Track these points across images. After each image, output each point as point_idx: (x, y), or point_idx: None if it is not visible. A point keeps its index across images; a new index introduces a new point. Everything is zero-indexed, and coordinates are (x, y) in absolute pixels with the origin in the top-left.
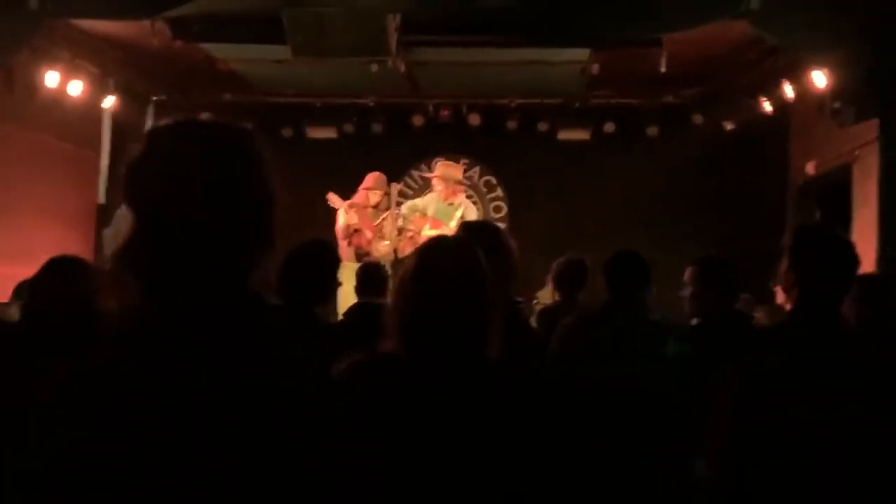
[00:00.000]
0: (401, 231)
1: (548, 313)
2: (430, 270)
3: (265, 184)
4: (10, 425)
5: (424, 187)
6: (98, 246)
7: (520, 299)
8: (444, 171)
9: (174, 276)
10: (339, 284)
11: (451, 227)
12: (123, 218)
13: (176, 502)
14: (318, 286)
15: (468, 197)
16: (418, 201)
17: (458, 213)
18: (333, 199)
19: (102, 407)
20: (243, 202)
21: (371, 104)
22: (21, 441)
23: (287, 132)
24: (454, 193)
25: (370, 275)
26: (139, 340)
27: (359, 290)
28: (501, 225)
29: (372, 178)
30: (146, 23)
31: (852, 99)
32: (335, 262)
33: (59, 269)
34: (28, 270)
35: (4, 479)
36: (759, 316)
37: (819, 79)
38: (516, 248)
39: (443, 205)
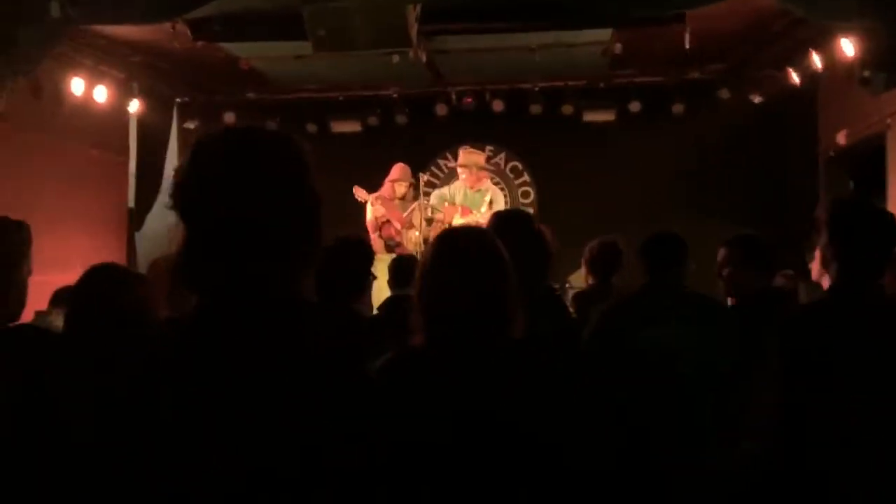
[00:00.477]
0: (430, 221)
1: (583, 297)
2: (445, 260)
3: (312, 187)
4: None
5: (451, 176)
6: (130, 250)
7: (556, 285)
8: (466, 158)
9: (232, 284)
10: (374, 278)
11: (481, 214)
12: (157, 221)
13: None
14: (354, 283)
15: (495, 184)
16: (445, 190)
17: (487, 199)
18: (360, 192)
19: (174, 409)
20: (294, 207)
21: (394, 95)
22: (100, 444)
23: (311, 128)
24: (479, 180)
25: (402, 267)
26: (201, 346)
27: (392, 283)
28: (530, 210)
29: (398, 169)
30: (167, 26)
31: (883, 66)
32: (369, 257)
33: (102, 277)
34: (63, 278)
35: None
36: (804, 291)
37: (847, 47)
38: (551, 234)
39: (470, 192)
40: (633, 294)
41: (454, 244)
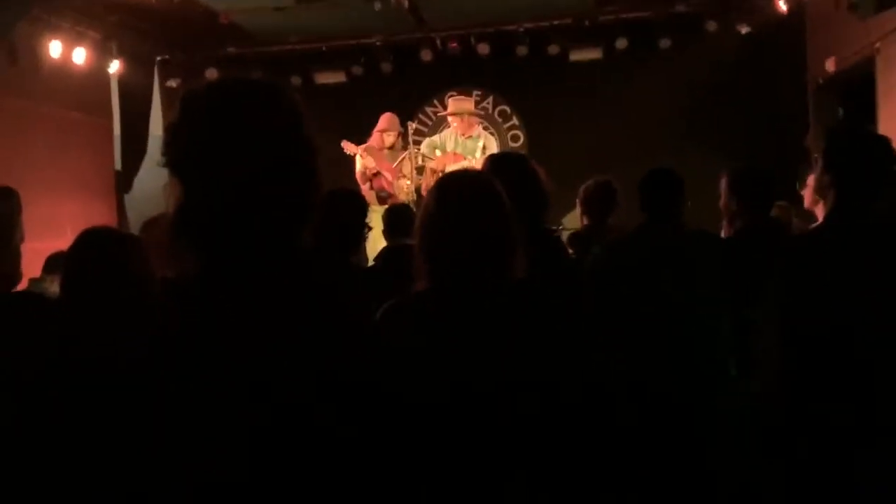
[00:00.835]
0: (421, 170)
1: (579, 238)
2: (447, 203)
3: (307, 135)
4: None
5: (439, 124)
6: (120, 212)
7: (554, 227)
8: (456, 105)
9: (234, 239)
10: (370, 229)
11: (476, 159)
12: (144, 183)
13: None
14: (350, 233)
15: (484, 128)
16: (436, 138)
17: (480, 144)
18: (348, 146)
19: (193, 366)
20: (290, 157)
21: (378, 44)
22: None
23: (295, 80)
24: (470, 126)
25: (397, 217)
26: (208, 302)
27: (387, 233)
28: (520, 152)
29: (385, 119)
30: None
31: None
32: (363, 208)
33: (99, 239)
34: (54, 244)
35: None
36: (796, 222)
37: None
38: (545, 176)
39: (461, 139)
40: (632, 232)
41: (455, 188)
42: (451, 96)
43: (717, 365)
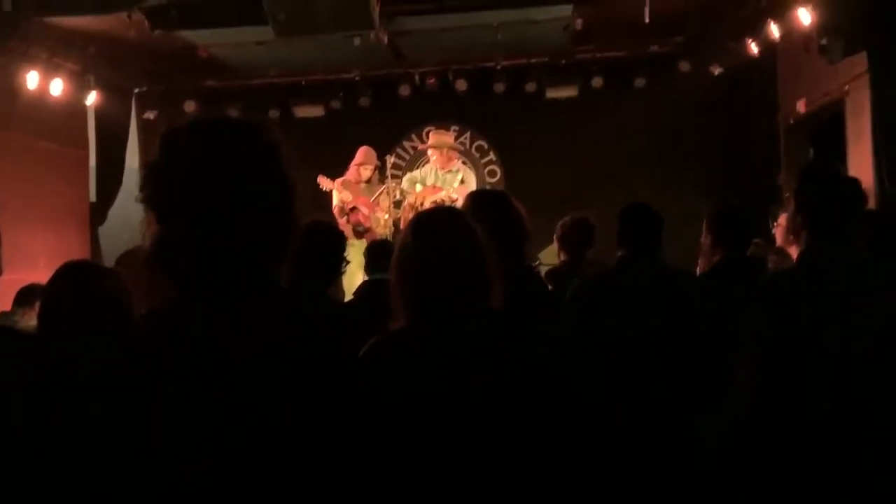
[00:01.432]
0: (399, 204)
1: (556, 274)
2: (422, 239)
3: (285, 172)
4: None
5: (417, 158)
6: (94, 245)
7: (533, 263)
8: (436, 139)
9: (210, 272)
10: (347, 263)
11: (454, 189)
12: (119, 215)
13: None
14: (327, 267)
15: (463, 163)
16: (416, 173)
17: (459, 177)
18: (324, 181)
19: (168, 394)
20: (268, 194)
21: (357, 78)
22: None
23: (274, 113)
24: (450, 160)
25: (378, 251)
26: (183, 337)
27: (368, 267)
28: (498, 189)
29: (362, 152)
30: (123, 15)
31: (839, 33)
32: (341, 241)
33: (76, 273)
34: (27, 275)
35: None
36: (773, 259)
37: (804, 16)
38: (524, 212)
39: (441, 173)
40: (611, 267)
41: (429, 224)
42: (432, 130)
43: (694, 398)
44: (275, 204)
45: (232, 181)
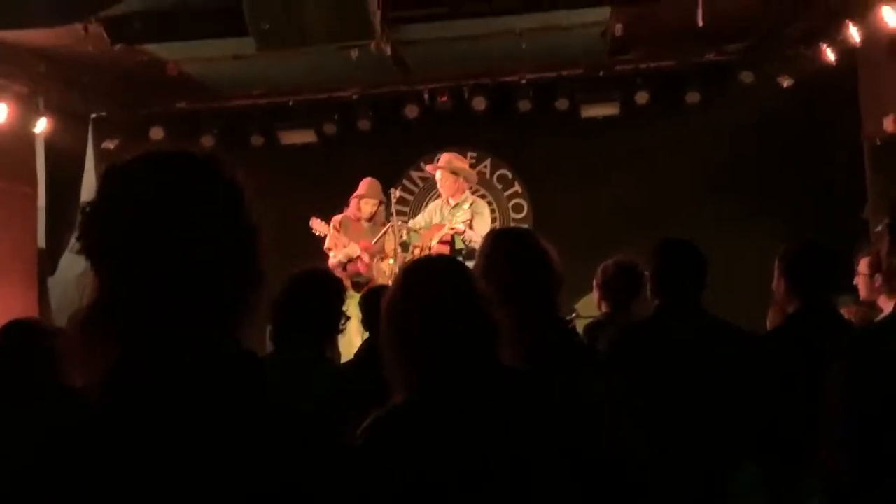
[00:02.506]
0: (406, 246)
1: (596, 329)
2: (411, 299)
3: (245, 215)
4: None
5: (427, 191)
6: (42, 299)
7: (569, 317)
8: (448, 162)
9: (156, 340)
10: (347, 319)
11: (458, 222)
12: (74, 267)
13: None
14: (323, 325)
15: (481, 196)
16: (420, 219)
17: (466, 206)
18: (317, 224)
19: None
20: (223, 240)
21: (354, 97)
22: None
23: (257, 140)
24: (461, 190)
25: (378, 302)
26: (124, 415)
27: (367, 323)
28: (524, 226)
29: (364, 184)
30: (78, 28)
31: None
32: (339, 292)
33: (16, 335)
34: None
35: None
36: (847, 311)
37: (890, 15)
38: (556, 254)
39: (447, 208)
40: (645, 320)
41: (417, 281)
42: (448, 153)
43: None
44: (236, 255)
45: (183, 230)
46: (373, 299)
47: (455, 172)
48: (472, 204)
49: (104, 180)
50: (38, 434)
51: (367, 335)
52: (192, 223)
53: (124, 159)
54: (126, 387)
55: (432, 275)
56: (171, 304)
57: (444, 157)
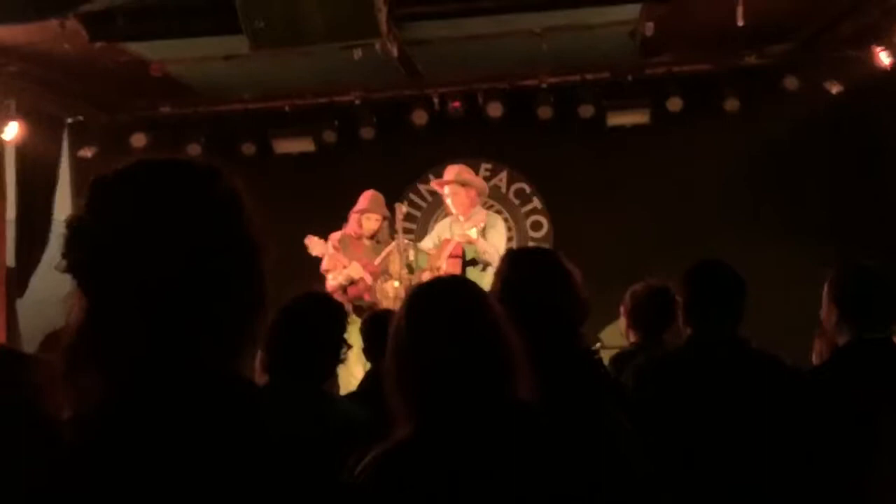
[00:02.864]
0: (412, 268)
1: (623, 360)
2: (417, 324)
3: (246, 233)
4: None
5: (437, 205)
6: (11, 322)
7: (595, 346)
8: (456, 174)
9: (150, 367)
10: (349, 348)
11: (470, 236)
12: (45, 284)
13: None
14: (322, 354)
15: (497, 211)
16: (428, 240)
17: (478, 217)
18: (314, 243)
19: None
20: (223, 259)
21: (357, 102)
22: None
23: (248, 149)
24: (473, 204)
25: (381, 328)
26: (114, 449)
27: (369, 351)
28: (544, 246)
29: (366, 198)
30: (54, 24)
31: None
32: (341, 318)
33: None
34: None
35: None
36: None
37: None
38: (580, 278)
39: (458, 225)
40: (675, 352)
41: (424, 304)
42: (456, 166)
43: None
44: (236, 274)
45: (181, 245)
46: (375, 325)
47: (465, 184)
48: (486, 216)
49: (93, 192)
50: (26, 470)
51: (369, 365)
52: (188, 240)
53: (115, 169)
54: (116, 420)
55: (441, 299)
56: (165, 328)
57: (451, 170)
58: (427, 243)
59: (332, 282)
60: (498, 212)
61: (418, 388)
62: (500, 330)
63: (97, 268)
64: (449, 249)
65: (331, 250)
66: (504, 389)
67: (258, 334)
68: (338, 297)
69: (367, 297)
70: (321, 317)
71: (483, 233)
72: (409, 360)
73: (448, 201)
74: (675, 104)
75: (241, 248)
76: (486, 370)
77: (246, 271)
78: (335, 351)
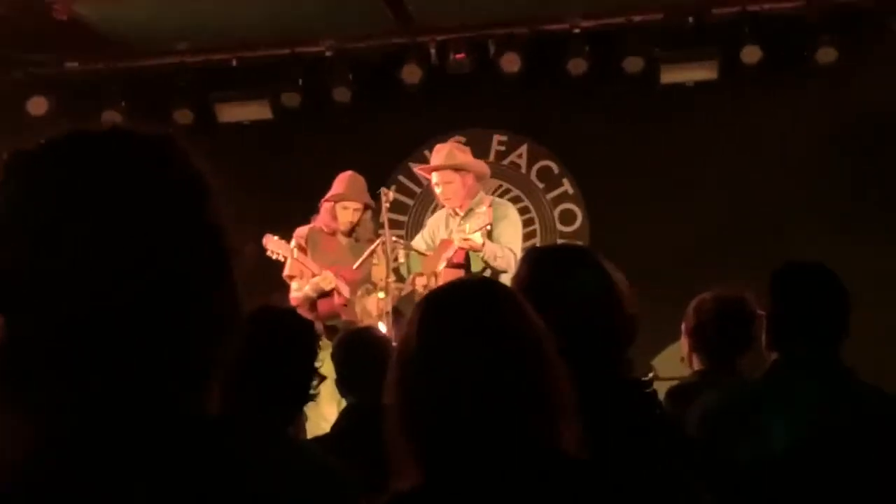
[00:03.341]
0: (401, 275)
1: (685, 396)
2: (431, 343)
3: (214, 229)
4: None
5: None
6: None
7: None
8: (446, 156)
9: (88, 404)
10: (322, 380)
11: (473, 232)
12: None
13: None
14: (286, 391)
15: (512, 200)
16: (420, 240)
17: (482, 210)
18: (273, 242)
19: None
20: (182, 264)
21: (328, 54)
22: None
23: (183, 117)
24: (471, 193)
25: (356, 352)
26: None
27: (345, 382)
28: (577, 243)
29: (342, 182)
30: None
31: None
32: (310, 344)
33: None
34: None
35: None
36: None
37: None
38: (627, 286)
39: (455, 219)
40: (754, 385)
41: (443, 314)
42: (446, 143)
43: None
44: (201, 284)
45: (127, 246)
46: (353, 349)
47: (459, 169)
48: (490, 205)
49: (4, 176)
50: None
51: (344, 401)
52: (137, 240)
53: (35, 145)
54: (48, 476)
55: (464, 309)
56: (108, 356)
57: (439, 152)
58: (419, 243)
59: (297, 292)
60: (515, 199)
61: (432, 427)
62: (544, 354)
63: (13, 280)
64: (448, 255)
65: (296, 252)
66: (543, 435)
67: (228, 360)
68: (304, 312)
69: (343, 314)
70: (283, 339)
71: (489, 232)
72: (420, 391)
73: (438, 191)
74: (750, 55)
75: (208, 249)
76: (523, 408)
77: (213, 280)
78: (302, 384)
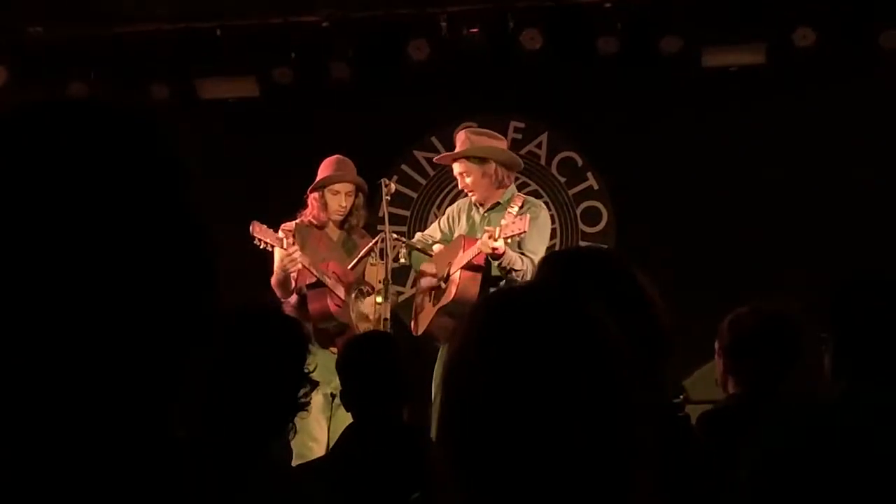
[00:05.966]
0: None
1: (720, 421)
2: (498, 365)
3: (189, 213)
4: None
5: (443, 182)
6: None
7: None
8: (466, 143)
9: (41, 423)
10: (314, 387)
11: (495, 247)
12: None
13: None
14: (271, 402)
15: (529, 194)
16: (430, 233)
17: (513, 211)
18: (260, 231)
19: None
20: (147, 253)
21: (324, 24)
22: None
23: (159, 92)
24: (502, 185)
25: (363, 362)
26: None
27: (351, 396)
28: (602, 246)
29: (328, 164)
30: None
31: None
32: (300, 347)
33: None
34: None
35: None
36: None
37: None
38: (658, 297)
39: (478, 213)
40: (824, 410)
41: (502, 335)
42: (466, 128)
43: None
44: (173, 277)
45: (90, 234)
46: (355, 357)
47: (485, 159)
48: (522, 205)
49: None
50: None
51: (348, 418)
52: (100, 229)
53: None
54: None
55: (538, 327)
56: (54, 364)
57: (462, 137)
58: (434, 232)
59: (278, 275)
60: (533, 194)
61: (482, 463)
62: (628, 393)
63: None
64: (468, 257)
65: (285, 242)
66: (618, 491)
67: (202, 366)
68: (292, 313)
69: (337, 316)
70: (267, 340)
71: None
72: (482, 421)
73: (463, 186)
74: (804, 37)
75: (183, 241)
76: (600, 456)
77: (187, 276)
78: (289, 391)
